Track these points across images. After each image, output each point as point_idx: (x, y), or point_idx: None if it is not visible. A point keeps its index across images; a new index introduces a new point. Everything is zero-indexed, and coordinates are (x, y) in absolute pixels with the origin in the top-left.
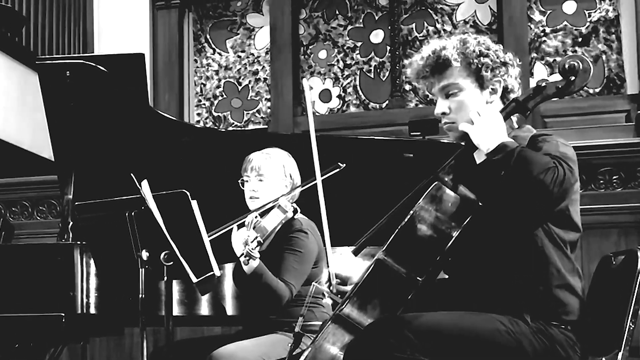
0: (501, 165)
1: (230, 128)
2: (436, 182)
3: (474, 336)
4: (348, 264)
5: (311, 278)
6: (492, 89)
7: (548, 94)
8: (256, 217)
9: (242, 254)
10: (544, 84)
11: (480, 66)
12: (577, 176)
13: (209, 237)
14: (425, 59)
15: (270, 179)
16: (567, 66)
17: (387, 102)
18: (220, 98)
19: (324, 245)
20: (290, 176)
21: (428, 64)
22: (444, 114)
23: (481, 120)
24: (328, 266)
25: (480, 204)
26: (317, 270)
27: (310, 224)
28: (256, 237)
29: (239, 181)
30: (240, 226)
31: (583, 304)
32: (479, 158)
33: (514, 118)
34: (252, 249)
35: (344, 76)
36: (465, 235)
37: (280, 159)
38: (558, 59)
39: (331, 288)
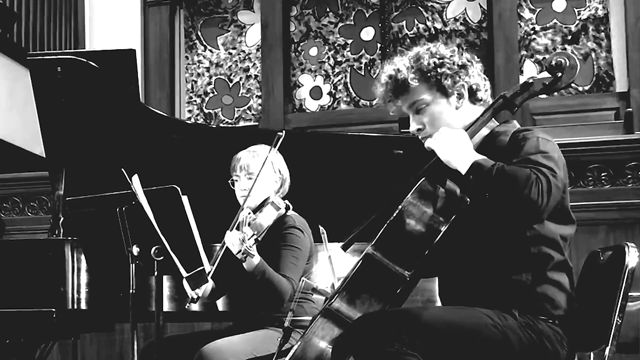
0: (481, 186)
1: (221, 125)
2: (424, 178)
3: (462, 330)
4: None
5: (303, 274)
6: (457, 94)
7: (535, 91)
8: (249, 213)
9: (240, 251)
10: (530, 80)
11: (439, 77)
12: (564, 171)
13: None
14: (385, 85)
15: (260, 176)
16: (554, 63)
17: (377, 99)
18: (211, 95)
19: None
20: (280, 171)
21: (389, 89)
22: (419, 130)
23: (443, 137)
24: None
25: (467, 199)
26: (307, 267)
27: (302, 221)
28: (253, 235)
29: (229, 181)
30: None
31: (571, 299)
32: None
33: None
34: (250, 246)
35: (335, 73)
36: (453, 230)
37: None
38: (548, 56)
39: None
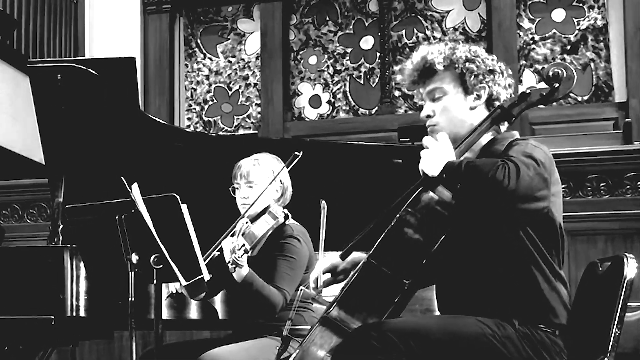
0: (453, 180)
1: (221, 133)
2: (421, 187)
3: (460, 340)
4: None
5: (302, 283)
6: (476, 95)
7: (532, 101)
8: (246, 222)
9: (229, 262)
10: (528, 91)
11: (464, 71)
12: (550, 173)
13: (206, 257)
14: (414, 64)
15: (260, 184)
16: (551, 74)
17: (376, 108)
18: (210, 103)
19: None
20: (281, 181)
21: (416, 69)
22: (428, 116)
23: (428, 152)
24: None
25: (464, 207)
26: (307, 276)
27: (301, 230)
28: (243, 245)
29: (230, 189)
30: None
31: (568, 309)
32: None
33: (503, 127)
34: (239, 257)
35: (334, 82)
36: (451, 239)
37: (270, 164)
38: (545, 67)
39: (318, 285)
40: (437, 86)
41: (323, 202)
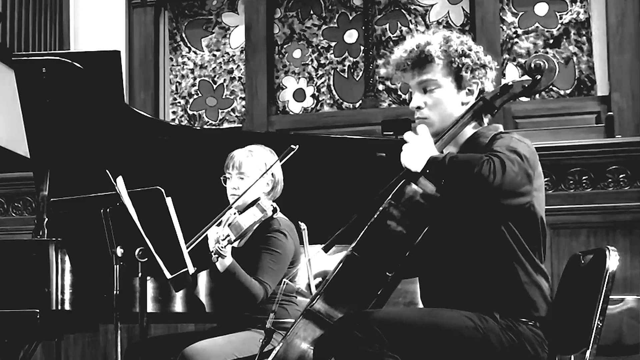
0: (437, 175)
1: (205, 126)
2: (405, 179)
3: (442, 332)
4: (325, 263)
5: (286, 277)
6: (469, 89)
7: (515, 93)
8: (234, 213)
9: (212, 251)
10: (510, 83)
11: (461, 66)
12: (533, 168)
13: (190, 244)
14: (408, 52)
15: (251, 176)
16: (533, 65)
17: (360, 101)
18: (195, 96)
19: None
20: (272, 174)
21: (411, 57)
22: (418, 108)
23: (409, 146)
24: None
25: (446, 200)
26: (292, 270)
27: (288, 224)
28: (227, 236)
29: (221, 178)
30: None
31: (549, 303)
32: None
33: (485, 119)
34: (222, 247)
35: (318, 76)
36: (434, 232)
37: (263, 156)
38: (527, 59)
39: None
40: (430, 78)
41: (303, 224)
